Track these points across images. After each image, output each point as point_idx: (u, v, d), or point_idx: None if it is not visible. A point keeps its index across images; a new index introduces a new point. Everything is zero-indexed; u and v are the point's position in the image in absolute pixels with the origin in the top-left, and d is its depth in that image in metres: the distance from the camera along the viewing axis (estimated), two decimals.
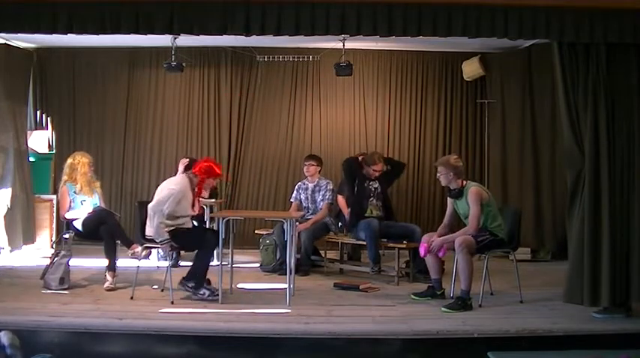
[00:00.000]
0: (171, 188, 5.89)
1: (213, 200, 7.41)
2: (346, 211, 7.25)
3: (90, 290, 6.19)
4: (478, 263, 5.98)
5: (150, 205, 5.84)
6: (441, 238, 5.79)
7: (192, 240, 5.91)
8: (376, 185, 7.07)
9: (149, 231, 5.91)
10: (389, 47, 8.88)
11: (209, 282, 5.92)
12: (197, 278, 5.79)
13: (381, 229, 6.78)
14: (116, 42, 7.88)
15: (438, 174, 5.98)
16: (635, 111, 5.25)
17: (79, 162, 6.62)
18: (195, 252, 5.95)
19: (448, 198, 6.06)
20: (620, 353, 4.20)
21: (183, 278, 5.91)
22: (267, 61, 8.90)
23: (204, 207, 7.15)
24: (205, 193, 6.24)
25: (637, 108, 5.26)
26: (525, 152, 8.33)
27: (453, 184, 5.87)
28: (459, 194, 5.84)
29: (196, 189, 5.99)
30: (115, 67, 9.08)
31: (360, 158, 7.29)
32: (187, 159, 7.71)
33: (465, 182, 5.91)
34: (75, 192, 6.54)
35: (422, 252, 5.85)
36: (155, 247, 6.17)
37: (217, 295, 5.73)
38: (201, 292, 5.81)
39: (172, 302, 5.67)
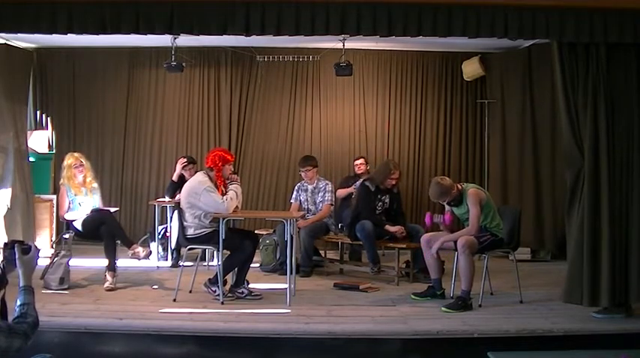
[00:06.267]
0: (197, 181, 5.88)
1: None
2: (349, 190, 7.61)
3: (90, 290, 6.19)
4: (478, 263, 5.98)
5: (183, 201, 5.86)
6: (443, 238, 5.79)
7: (230, 241, 5.75)
8: (387, 200, 6.98)
9: (190, 231, 5.84)
10: (389, 47, 8.88)
11: (247, 282, 5.98)
12: (217, 276, 5.77)
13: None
14: (116, 42, 7.88)
15: (443, 203, 5.97)
16: (635, 111, 5.25)
17: (65, 165, 6.62)
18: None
19: None
20: (620, 353, 4.19)
21: (209, 280, 5.92)
22: (267, 61, 8.90)
23: None
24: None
25: (637, 108, 5.26)
26: (525, 152, 8.33)
27: (455, 195, 5.84)
28: (459, 202, 5.84)
29: (218, 182, 5.91)
30: (115, 67, 9.08)
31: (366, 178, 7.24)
32: (185, 159, 7.76)
33: (461, 186, 5.91)
34: (74, 194, 6.54)
35: (427, 220, 5.94)
36: (200, 248, 6.14)
37: (259, 295, 5.92)
38: (240, 290, 5.87)
39: (175, 300, 5.72)
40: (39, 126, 9.01)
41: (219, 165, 5.89)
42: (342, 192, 8.00)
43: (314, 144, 9.12)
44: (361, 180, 7.33)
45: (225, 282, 5.85)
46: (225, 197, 5.78)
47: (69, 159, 6.66)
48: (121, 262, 6.50)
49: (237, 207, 5.89)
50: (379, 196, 6.92)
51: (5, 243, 2.92)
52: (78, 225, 6.47)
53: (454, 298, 5.73)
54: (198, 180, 5.91)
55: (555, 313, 5.41)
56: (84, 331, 4.90)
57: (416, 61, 9.21)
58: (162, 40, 7.29)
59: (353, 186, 7.92)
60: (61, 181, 6.62)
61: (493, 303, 5.78)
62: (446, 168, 9.04)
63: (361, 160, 8.39)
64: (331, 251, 7.67)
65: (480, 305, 5.65)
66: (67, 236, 6.56)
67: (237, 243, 5.83)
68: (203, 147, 8.98)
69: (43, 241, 7.78)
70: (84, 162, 6.67)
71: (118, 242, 6.33)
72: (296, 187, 7.63)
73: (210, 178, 5.90)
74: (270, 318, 5.28)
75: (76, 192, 6.53)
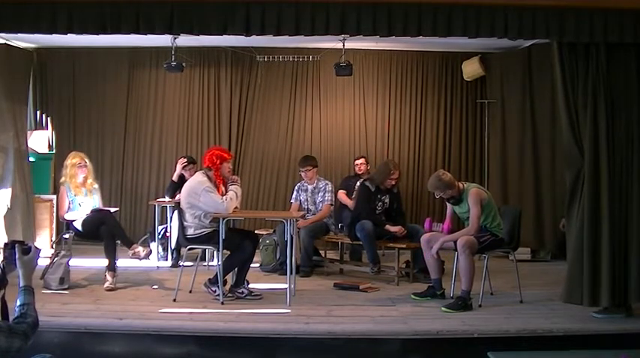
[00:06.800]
0: (197, 181, 5.87)
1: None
2: (349, 202, 7.54)
3: (90, 290, 6.20)
4: (478, 263, 5.98)
5: (182, 201, 5.86)
6: (443, 238, 5.79)
7: (230, 241, 5.74)
8: (387, 200, 6.98)
9: (190, 231, 5.84)
10: (389, 47, 8.88)
11: (248, 282, 5.98)
12: (217, 276, 5.77)
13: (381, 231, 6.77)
14: (116, 42, 7.88)
15: (437, 196, 5.96)
16: (635, 111, 5.25)
17: (69, 163, 6.62)
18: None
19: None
20: (620, 353, 4.20)
21: (209, 280, 5.92)
22: (267, 61, 8.90)
23: None
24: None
25: (637, 108, 5.25)
26: (525, 152, 8.34)
27: (453, 193, 5.84)
28: (459, 200, 5.84)
29: (217, 181, 5.91)
30: (115, 67, 9.08)
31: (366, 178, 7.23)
32: (185, 159, 7.76)
33: (463, 185, 5.91)
34: (73, 194, 6.54)
35: (427, 227, 5.97)
36: (200, 248, 6.13)
37: (259, 295, 5.93)
38: (240, 290, 5.87)
39: (175, 300, 5.73)
40: (39, 126, 9.01)
41: (217, 163, 5.89)
42: (343, 198, 7.92)
43: (314, 144, 9.12)
44: (361, 180, 7.32)
45: (225, 282, 5.86)
46: (224, 197, 5.78)
47: (74, 159, 6.65)
48: (121, 262, 6.50)
49: (236, 207, 5.89)
50: (379, 196, 6.92)
51: (5, 244, 2.92)
52: (78, 225, 6.46)
53: (454, 298, 5.73)
54: (197, 180, 5.91)
55: (555, 313, 5.41)
56: (84, 331, 4.90)
57: (416, 61, 9.21)
58: (163, 40, 7.29)
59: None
60: (62, 179, 6.62)
61: (493, 303, 5.78)
62: (446, 168, 9.00)
63: (361, 160, 8.37)
64: (331, 251, 7.67)
65: (480, 305, 5.66)
66: (67, 236, 6.56)
67: (237, 243, 5.83)
68: (203, 147, 8.95)
69: (43, 241, 7.78)
70: (87, 163, 6.68)
71: (118, 242, 6.33)
72: (296, 187, 7.63)
73: (209, 178, 5.90)
74: (270, 318, 5.28)
75: (75, 192, 6.53)
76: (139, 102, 9.17)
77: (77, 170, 6.57)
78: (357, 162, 8.38)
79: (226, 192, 5.89)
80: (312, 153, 8.35)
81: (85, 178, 6.62)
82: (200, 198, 5.74)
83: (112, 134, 9.13)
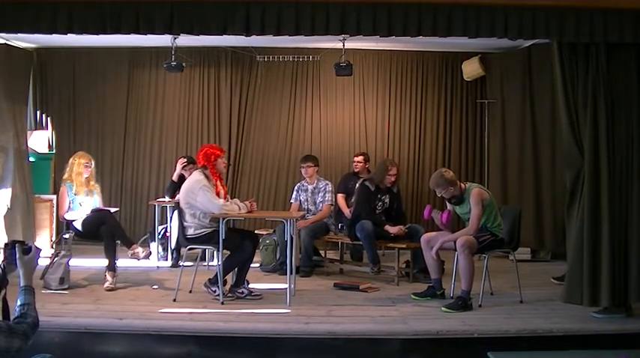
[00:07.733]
0: (194, 180, 5.88)
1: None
2: (346, 210, 7.38)
3: (90, 290, 6.20)
4: (478, 263, 5.98)
5: (181, 201, 5.88)
6: (443, 238, 5.79)
7: (230, 241, 5.75)
8: (387, 200, 6.98)
9: (190, 231, 5.85)
10: (389, 47, 8.88)
11: (247, 282, 5.98)
12: (217, 276, 5.77)
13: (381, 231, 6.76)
14: (116, 42, 7.88)
15: (439, 194, 5.95)
16: (635, 111, 5.25)
17: (76, 161, 6.64)
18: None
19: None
20: (620, 353, 4.20)
21: (209, 280, 5.92)
22: (267, 61, 8.90)
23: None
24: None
25: (637, 108, 5.25)
26: (525, 152, 8.34)
27: (455, 192, 5.84)
28: (460, 200, 5.84)
29: (214, 179, 5.94)
30: (115, 67, 9.08)
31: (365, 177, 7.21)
32: (185, 159, 7.76)
33: (465, 185, 5.91)
34: (74, 193, 6.54)
35: (426, 213, 5.96)
36: (200, 248, 6.14)
37: (259, 295, 5.93)
38: (240, 290, 5.87)
39: (175, 300, 5.73)
40: (39, 126, 9.01)
41: (212, 161, 5.93)
42: (341, 203, 7.76)
43: (314, 144, 9.12)
44: (361, 180, 7.31)
45: (225, 282, 5.86)
46: (230, 201, 5.88)
47: (82, 158, 6.69)
48: (121, 262, 6.50)
49: None
50: (379, 196, 6.92)
51: (6, 244, 2.92)
52: (78, 225, 6.47)
53: (454, 298, 5.73)
54: (195, 179, 5.92)
55: (555, 313, 5.41)
56: (84, 331, 4.90)
57: (416, 61, 9.21)
58: (163, 40, 7.29)
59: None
60: (65, 176, 6.63)
61: (493, 303, 5.78)
62: (446, 168, 9.01)
63: (360, 157, 8.13)
64: (331, 251, 7.67)
65: (480, 305, 5.65)
66: (67, 236, 6.57)
67: (237, 243, 5.83)
68: None
69: (43, 241, 7.78)
70: (92, 166, 6.73)
71: (118, 242, 6.34)
72: (296, 187, 7.64)
73: (207, 176, 5.91)
74: (270, 318, 5.28)
75: (77, 191, 6.54)
76: (139, 102, 9.17)
77: (84, 169, 6.60)
78: (356, 159, 8.21)
79: (224, 188, 5.94)
80: (312, 153, 8.34)
81: (88, 179, 6.65)
82: (197, 197, 5.75)
83: (112, 134, 9.14)
